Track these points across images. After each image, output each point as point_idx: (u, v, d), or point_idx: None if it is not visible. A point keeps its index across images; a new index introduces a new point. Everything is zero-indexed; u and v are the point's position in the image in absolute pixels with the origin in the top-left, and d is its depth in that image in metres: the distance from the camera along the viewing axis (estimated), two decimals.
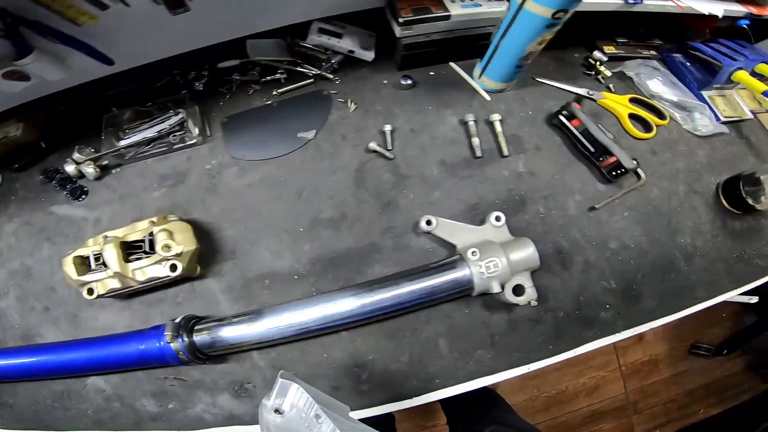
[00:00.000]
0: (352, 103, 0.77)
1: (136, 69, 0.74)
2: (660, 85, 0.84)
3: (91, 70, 0.71)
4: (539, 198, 0.72)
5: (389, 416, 0.61)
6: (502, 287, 0.60)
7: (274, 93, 0.78)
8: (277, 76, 0.79)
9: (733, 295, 0.73)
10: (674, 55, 0.90)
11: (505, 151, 0.74)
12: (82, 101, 0.79)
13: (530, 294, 0.61)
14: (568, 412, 1.79)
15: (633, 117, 0.78)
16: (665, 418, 1.86)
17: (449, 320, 0.65)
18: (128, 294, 0.65)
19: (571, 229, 0.70)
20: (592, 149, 0.73)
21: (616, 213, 0.72)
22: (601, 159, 0.72)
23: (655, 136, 0.77)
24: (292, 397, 0.38)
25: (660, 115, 0.79)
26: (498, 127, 0.75)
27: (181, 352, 0.56)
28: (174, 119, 0.75)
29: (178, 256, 0.62)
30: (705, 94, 0.84)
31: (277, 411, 0.38)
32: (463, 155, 0.75)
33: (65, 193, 0.73)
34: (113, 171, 0.75)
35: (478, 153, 0.74)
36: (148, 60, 0.74)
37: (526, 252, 0.61)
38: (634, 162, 0.72)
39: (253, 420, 0.59)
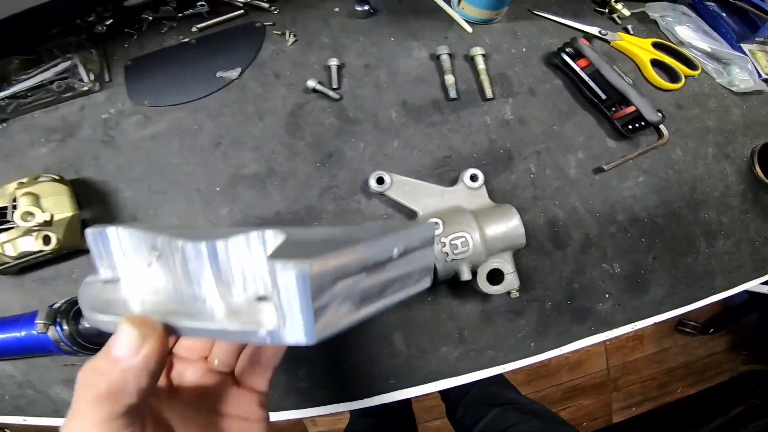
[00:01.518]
0: (291, 35, 0.62)
1: (25, 16, 0.59)
2: (690, 32, 0.71)
3: None
4: (531, 153, 0.57)
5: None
6: (474, 273, 0.44)
7: (194, 29, 0.64)
8: (198, 9, 0.65)
9: (754, 285, 0.62)
10: (707, 3, 0.77)
11: (488, 93, 0.58)
12: None
13: (510, 282, 0.45)
14: (549, 386, 1.76)
15: (656, 64, 0.65)
16: (642, 396, 1.85)
17: (406, 311, 0.53)
18: (17, 270, 0.55)
19: (570, 195, 0.56)
20: (604, 96, 0.58)
21: (629, 177, 0.58)
22: (613, 109, 0.58)
23: (682, 88, 0.64)
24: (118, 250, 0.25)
25: (690, 64, 0.66)
26: (480, 63, 0.59)
27: (62, 343, 0.48)
28: (62, 66, 0.61)
29: (46, 225, 0.49)
30: (745, 47, 0.73)
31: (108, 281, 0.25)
32: (432, 96, 0.59)
33: None
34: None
35: (452, 94, 0.58)
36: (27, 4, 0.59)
37: (508, 225, 0.45)
38: (659, 114, 0.57)
39: None
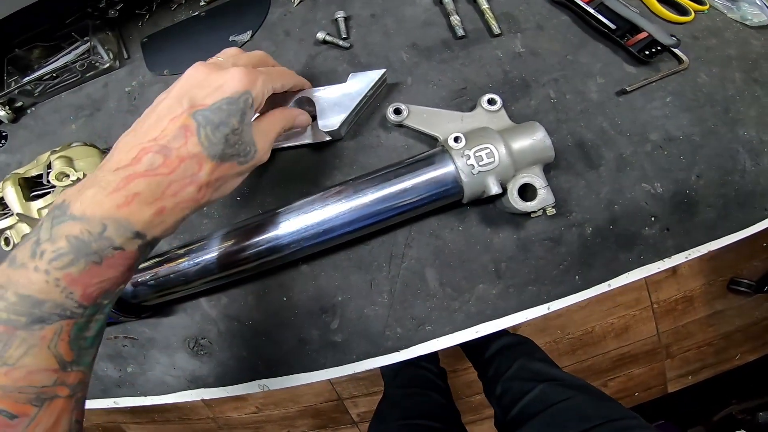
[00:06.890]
0: None
1: (39, 8, 0.62)
2: None
3: None
4: (548, 81, 0.52)
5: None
6: (504, 188, 0.40)
7: (201, 3, 0.66)
8: None
9: None
10: None
11: (495, 29, 0.55)
12: None
13: (544, 197, 0.40)
14: (595, 355, 1.61)
15: (660, 0, 0.60)
16: (699, 364, 1.67)
17: (437, 242, 0.48)
18: None
19: (596, 117, 0.50)
20: (613, 26, 0.54)
21: (656, 98, 0.52)
22: (625, 37, 0.54)
23: (694, 22, 0.59)
24: None
25: (696, 0, 0.61)
26: (484, 3, 0.57)
27: None
28: (81, 48, 0.65)
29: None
30: None
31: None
32: (440, 37, 0.57)
33: None
34: (29, 111, 0.68)
35: (460, 32, 0.55)
36: None
37: (534, 138, 0.40)
38: (673, 37, 0.52)
39: (218, 382, 0.50)
